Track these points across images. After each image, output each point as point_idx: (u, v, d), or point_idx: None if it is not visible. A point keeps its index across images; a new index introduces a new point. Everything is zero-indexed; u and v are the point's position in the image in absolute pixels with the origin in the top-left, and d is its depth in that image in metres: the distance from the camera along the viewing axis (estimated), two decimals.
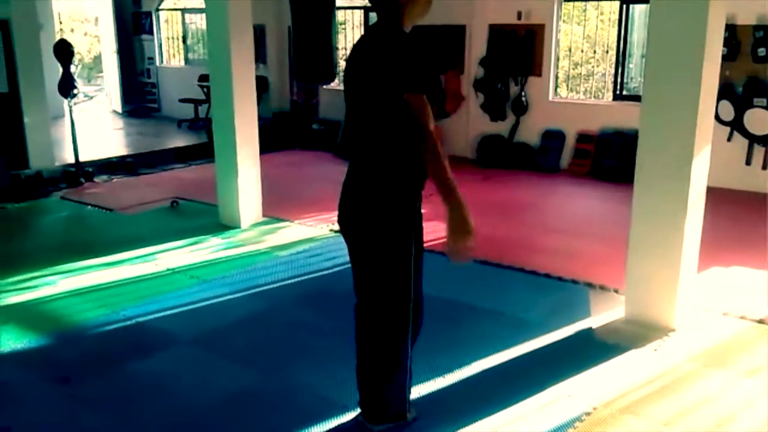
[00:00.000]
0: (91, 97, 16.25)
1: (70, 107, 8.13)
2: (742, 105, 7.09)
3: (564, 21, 8.78)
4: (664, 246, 3.96)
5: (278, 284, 4.83)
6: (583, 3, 8.90)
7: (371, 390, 2.93)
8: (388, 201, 2.73)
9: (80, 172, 8.00)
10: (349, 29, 10.87)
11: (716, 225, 5.04)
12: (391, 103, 2.56)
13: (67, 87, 7.87)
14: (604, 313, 4.25)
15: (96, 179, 8.11)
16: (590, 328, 4.08)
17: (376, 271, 2.80)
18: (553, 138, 8.65)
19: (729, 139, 7.21)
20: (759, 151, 7.15)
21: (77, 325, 4.21)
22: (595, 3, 8.98)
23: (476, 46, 9.00)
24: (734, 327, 4.09)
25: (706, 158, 4.01)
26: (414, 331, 2.92)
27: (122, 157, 9.02)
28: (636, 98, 7.86)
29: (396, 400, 2.96)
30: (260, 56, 10.79)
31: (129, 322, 4.22)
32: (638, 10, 8.26)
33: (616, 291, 4.53)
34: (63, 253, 5.48)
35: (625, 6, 8.27)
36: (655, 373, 3.54)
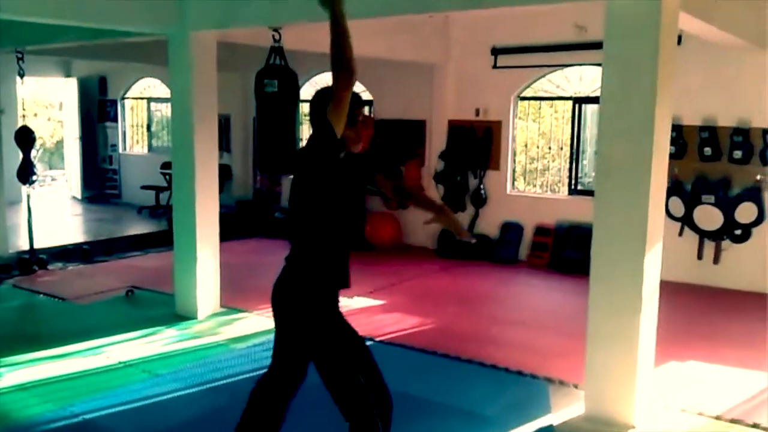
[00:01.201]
0: (54, 179, 16.17)
1: (28, 193, 8.03)
2: (691, 201, 7.35)
3: (520, 118, 9.11)
4: (620, 339, 3.99)
5: (235, 378, 4.70)
6: (538, 101, 9.28)
7: None
8: (306, 293, 2.91)
9: (34, 260, 7.83)
10: None
11: (671, 318, 5.13)
12: (312, 199, 2.88)
13: (26, 173, 7.81)
14: (563, 410, 4.22)
15: (50, 267, 7.94)
16: (551, 426, 4.04)
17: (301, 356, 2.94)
18: (511, 230, 8.80)
19: (680, 234, 7.43)
20: (709, 246, 7.37)
21: (22, 421, 4.02)
22: (550, 102, 9.37)
23: (436, 140, 9.26)
24: (692, 423, 4.09)
25: (659, 252, 4.12)
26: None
27: (78, 245, 8.87)
28: (590, 193, 8.10)
29: None
30: (224, 145, 10.92)
31: (76, 419, 4.04)
32: (590, 109, 8.64)
33: (575, 386, 4.52)
34: (10, 345, 5.28)
35: (577, 105, 8.65)
36: None
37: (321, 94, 2.92)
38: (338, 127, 2.79)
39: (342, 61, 2.69)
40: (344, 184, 2.92)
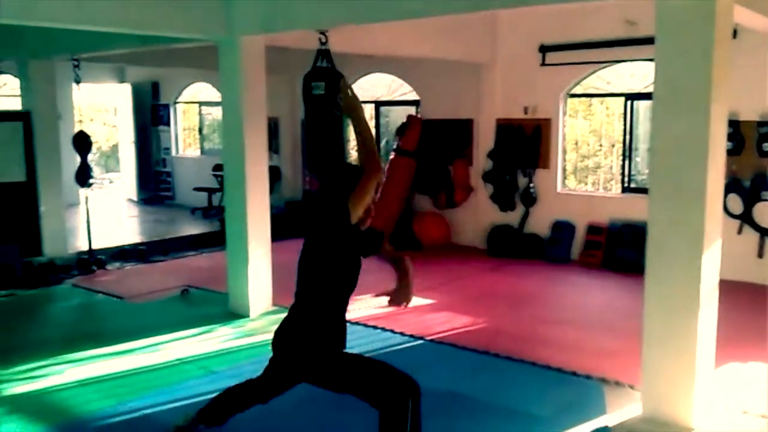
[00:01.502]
0: (111, 182, 16.63)
1: (86, 196, 8.28)
2: (750, 198, 7.15)
3: (570, 115, 8.99)
4: (678, 340, 3.91)
5: None
6: (589, 99, 9.14)
7: None
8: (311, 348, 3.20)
9: (92, 260, 8.06)
10: None
11: (731, 319, 4.98)
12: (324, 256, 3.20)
13: (84, 176, 8.06)
14: (619, 411, 4.15)
15: (108, 267, 8.17)
16: (606, 427, 3.97)
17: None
18: (562, 229, 8.69)
19: (739, 232, 7.23)
20: None
21: (83, 416, 4.15)
22: (601, 98, 9.22)
23: (484, 139, 9.20)
24: (754, 426, 3.98)
25: (717, 251, 4.01)
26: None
27: (135, 245, 9.11)
28: (644, 191, 7.94)
29: None
30: (274, 147, 11.05)
31: (135, 414, 4.15)
32: (642, 106, 8.47)
33: (631, 387, 4.44)
34: (71, 342, 5.46)
35: (629, 102, 8.49)
36: None
37: (347, 176, 3.31)
38: (355, 213, 3.14)
39: (369, 158, 3.22)
40: (350, 255, 3.22)
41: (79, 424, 4.05)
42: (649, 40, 4.16)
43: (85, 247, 8.27)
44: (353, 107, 3.43)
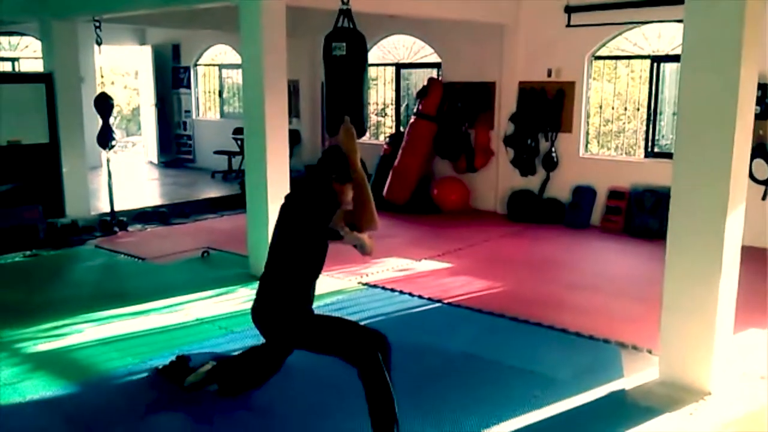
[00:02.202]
0: (134, 144, 16.73)
1: (108, 158, 8.33)
2: None
3: (594, 78, 8.83)
4: (698, 306, 3.88)
5: None
6: (614, 61, 8.97)
7: None
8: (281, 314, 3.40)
9: (115, 222, 8.15)
10: (381, 85, 11.06)
11: (752, 285, 4.94)
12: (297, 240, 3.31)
13: (105, 138, 8.09)
14: (637, 374, 4.15)
15: (130, 228, 8.26)
16: (623, 390, 3.97)
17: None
18: (583, 194, 8.60)
19: (764, 198, 7.10)
20: None
21: (105, 374, 4.22)
22: (626, 61, 9.04)
23: (506, 103, 9.08)
24: None
25: (741, 217, 3.95)
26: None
27: (156, 207, 9.18)
28: (668, 155, 7.83)
29: None
30: (293, 110, 11.02)
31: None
32: (669, 68, 8.29)
33: (649, 351, 4.43)
34: (94, 302, 5.54)
35: (655, 64, 8.31)
36: None
37: (329, 162, 3.40)
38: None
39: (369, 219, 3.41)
40: (317, 243, 3.35)
41: (101, 382, 4.13)
42: (678, 0, 4.04)
43: (107, 209, 8.36)
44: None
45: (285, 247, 3.37)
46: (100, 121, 8.13)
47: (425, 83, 9.62)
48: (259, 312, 3.45)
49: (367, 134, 9.94)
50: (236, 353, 4.00)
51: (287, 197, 3.49)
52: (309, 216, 3.28)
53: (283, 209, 3.43)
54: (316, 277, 3.47)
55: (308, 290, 3.45)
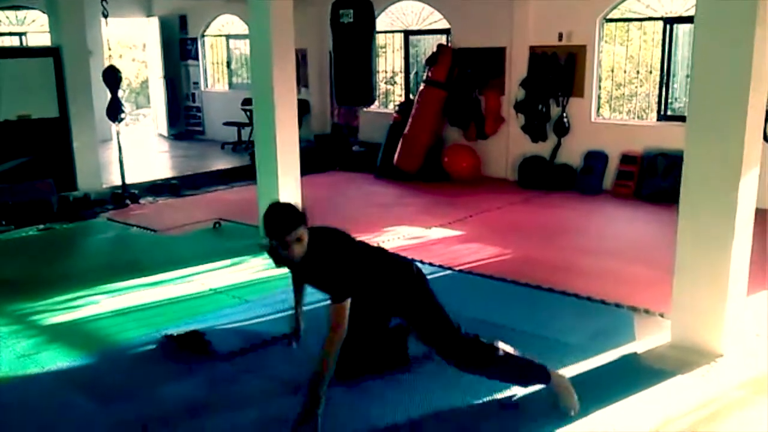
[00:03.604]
0: (146, 116, 16.72)
1: (118, 131, 8.35)
2: None
3: (606, 42, 8.71)
4: (711, 269, 3.86)
5: (318, 305, 4.82)
6: (626, 23, 8.83)
7: None
8: None
9: (126, 194, 8.18)
10: (390, 52, 10.96)
11: (765, 247, 4.91)
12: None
13: (115, 111, 8.09)
14: (649, 338, 4.15)
15: (141, 201, 8.29)
16: (635, 353, 3.98)
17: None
18: (595, 159, 8.54)
19: None
20: None
21: (121, 344, 4.28)
22: (638, 23, 8.90)
23: (517, 68, 8.99)
24: None
25: (755, 180, 3.90)
26: None
27: (167, 179, 9.22)
28: (681, 118, 7.73)
29: None
30: (302, 80, 10.97)
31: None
32: (682, 30, 8.16)
33: (661, 315, 4.43)
34: (108, 273, 5.59)
35: (668, 26, 8.18)
36: (703, 400, 3.44)
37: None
38: None
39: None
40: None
41: (117, 351, 4.18)
42: None
43: (118, 182, 8.39)
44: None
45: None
46: (109, 95, 8.12)
47: (434, 50, 9.52)
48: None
49: (377, 103, 9.90)
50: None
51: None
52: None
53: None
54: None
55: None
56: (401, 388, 3.60)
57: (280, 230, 3.14)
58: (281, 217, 3.21)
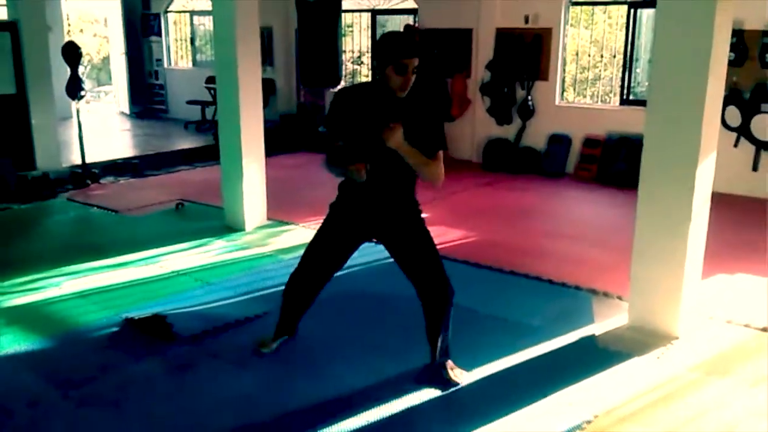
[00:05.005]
0: (107, 93, 16.36)
1: (78, 109, 8.17)
2: (749, 111, 7.07)
3: (571, 25, 8.76)
4: (668, 252, 3.95)
5: (282, 288, 4.81)
6: (591, 7, 8.89)
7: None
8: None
9: (86, 174, 8.04)
10: (357, 32, 10.88)
11: (721, 231, 5.03)
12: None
13: (74, 89, 7.91)
14: (607, 320, 4.24)
15: (102, 181, 8.15)
16: (593, 335, 4.06)
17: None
18: (559, 142, 8.63)
19: (735, 145, 7.19)
20: (766, 157, 7.12)
21: (81, 327, 4.22)
22: (603, 7, 8.97)
23: (483, 50, 9.00)
24: (738, 335, 4.07)
25: (712, 164, 3.99)
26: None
27: (128, 159, 9.06)
28: (643, 103, 7.81)
29: None
30: (267, 59, 10.84)
31: None
32: (646, 14, 8.25)
33: (619, 298, 4.52)
34: (68, 255, 5.50)
35: (633, 10, 8.26)
36: (657, 381, 3.53)
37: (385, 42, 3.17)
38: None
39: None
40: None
41: (77, 334, 4.13)
42: None
43: (78, 161, 8.23)
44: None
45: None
46: (69, 71, 7.93)
47: (401, 30, 9.49)
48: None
49: (343, 83, 9.82)
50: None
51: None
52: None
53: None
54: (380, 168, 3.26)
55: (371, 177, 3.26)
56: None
57: (412, 49, 3.11)
58: (412, 39, 3.20)
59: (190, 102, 11.98)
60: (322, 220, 3.56)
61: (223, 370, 3.68)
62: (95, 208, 7.04)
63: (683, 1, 3.73)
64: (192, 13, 13.04)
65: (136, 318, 4.14)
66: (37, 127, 8.15)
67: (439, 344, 3.48)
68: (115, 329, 4.16)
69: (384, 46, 3.14)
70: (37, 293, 4.74)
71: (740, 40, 6.88)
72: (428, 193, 7.46)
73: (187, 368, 3.70)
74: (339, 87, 3.24)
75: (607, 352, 3.84)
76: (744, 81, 7.01)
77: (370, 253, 5.56)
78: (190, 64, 13.27)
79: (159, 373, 3.65)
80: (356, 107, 3.27)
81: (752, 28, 6.90)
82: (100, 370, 3.67)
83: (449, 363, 3.53)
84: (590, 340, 4.02)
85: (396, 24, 10.21)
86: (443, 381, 3.47)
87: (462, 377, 3.51)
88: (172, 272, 5.16)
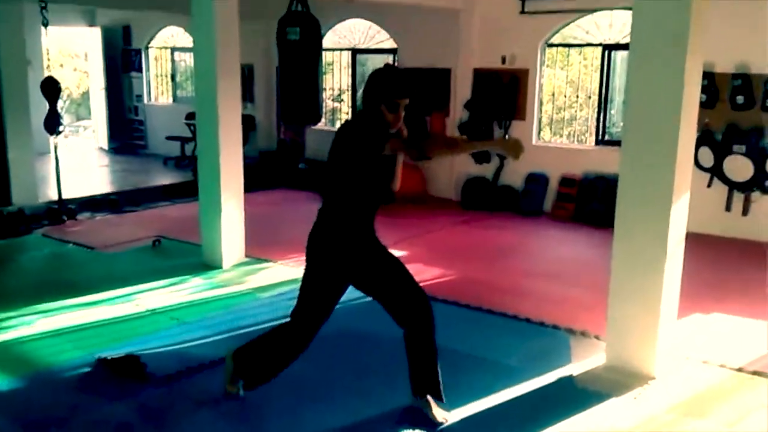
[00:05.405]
0: (85, 128, 16.26)
1: (56, 144, 8.12)
2: (721, 152, 7.21)
3: (548, 66, 8.93)
4: (644, 292, 3.98)
5: (261, 325, 4.74)
6: (567, 48, 9.07)
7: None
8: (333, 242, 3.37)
9: (63, 210, 7.95)
10: (337, 70, 10.99)
11: (696, 271, 5.08)
12: (345, 173, 3.25)
13: (53, 124, 7.87)
14: (584, 360, 4.24)
15: (79, 217, 8.07)
16: (571, 375, 4.06)
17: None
18: (536, 181, 8.72)
19: (709, 185, 7.31)
20: (738, 198, 7.24)
21: (53, 367, 4.14)
22: (579, 48, 9.16)
23: (461, 89, 9.13)
24: (714, 375, 4.09)
25: (685, 204, 4.05)
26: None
27: (106, 195, 9.00)
28: (618, 143, 7.95)
29: None
30: (248, 95, 10.89)
31: None
32: (620, 56, 8.43)
33: (597, 337, 4.53)
34: (42, 292, 5.41)
35: (607, 52, 8.45)
36: (634, 422, 3.53)
37: (378, 79, 3.22)
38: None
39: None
40: (374, 157, 3.21)
41: (48, 374, 4.05)
42: None
43: (55, 197, 8.15)
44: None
45: (330, 173, 3.33)
46: (48, 106, 7.91)
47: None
48: (313, 235, 3.37)
49: (323, 120, 9.89)
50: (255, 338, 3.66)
51: (342, 124, 3.45)
52: (353, 141, 3.22)
53: (336, 135, 3.34)
54: (371, 204, 3.36)
55: (363, 217, 3.35)
56: None
57: (406, 89, 3.19)
58: (406, 78, 3.25)
59: (169, 138, 11.96)
60: (306, 270, 3.42)
61: (198, 412, 3.62)
62: (71, 244, 6.96)
63: (655, 45, 3.82)
64: (173, 49, 13.10)
65: (109, 358, 4.07)
66: (14, 162, 8.08)
67: (425, 376, 3.43)
68: (87, 369, 4.08)
69: (378, 84, 3.19)
70: (8, 332, 4.65)
71: (711, 82, 7.05)
72: (407, 231, 7.53)
73: (160, 411, 3.63)
74: (355, 126, 3.27)
75: (585, 392, 3.84)
76: (716, 122, 7.16)
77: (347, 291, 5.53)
78: (171, 100, 13.29)
79: (130, 416, 3.58)
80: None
81: (722, 71, 7.08)
82: (71, 411, 3.60)
83: (431, 400, 3.46)
84: (568, 380, 4.01)
85: (376, 63, 10.33)
86: (427, 420, 3.41)
87: (447, 415, 3.47)
88: (148, 311, 5.09)
